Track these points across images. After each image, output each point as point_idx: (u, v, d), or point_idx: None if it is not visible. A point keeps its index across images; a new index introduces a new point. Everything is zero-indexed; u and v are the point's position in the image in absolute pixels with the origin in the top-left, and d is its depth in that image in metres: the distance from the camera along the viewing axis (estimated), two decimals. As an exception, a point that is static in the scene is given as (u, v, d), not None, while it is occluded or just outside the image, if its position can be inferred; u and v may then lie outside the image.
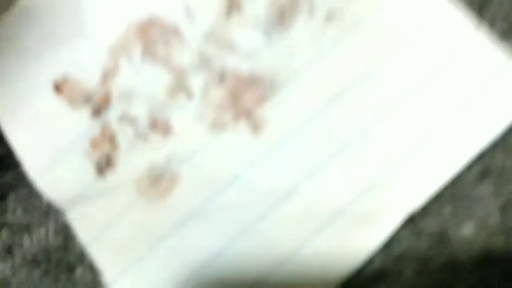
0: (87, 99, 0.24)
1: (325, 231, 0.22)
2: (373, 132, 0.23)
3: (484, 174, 0.23)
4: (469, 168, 0.23)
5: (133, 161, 0.23)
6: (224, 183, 0.23)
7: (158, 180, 0.23)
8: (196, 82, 0.24)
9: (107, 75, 0.25)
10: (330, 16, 0.24)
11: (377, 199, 0.22)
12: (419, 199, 0.22)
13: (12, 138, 0.24)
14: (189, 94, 0.24)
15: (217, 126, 0.24)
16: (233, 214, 0.22)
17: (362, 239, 0.22)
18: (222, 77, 0.24)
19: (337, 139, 0.23)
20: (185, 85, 0.24)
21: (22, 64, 0.25)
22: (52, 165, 0.24)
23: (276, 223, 0.22)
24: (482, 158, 0.23)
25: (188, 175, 0.23)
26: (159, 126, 0.24)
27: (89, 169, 0.24)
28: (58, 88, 0.25)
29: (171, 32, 0.25)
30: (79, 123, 0.24)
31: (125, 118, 0.24)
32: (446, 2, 0.24)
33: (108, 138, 0.24)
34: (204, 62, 0.24)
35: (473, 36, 0.23)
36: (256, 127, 0.24)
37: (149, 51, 0.25)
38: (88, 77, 0.25)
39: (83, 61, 0.25)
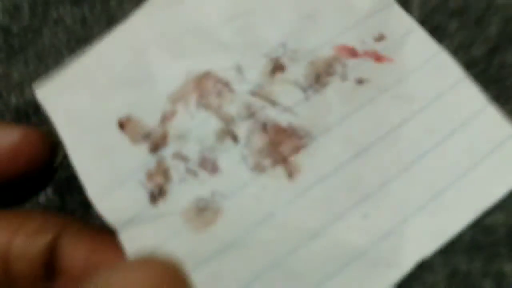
0: (146, 136, 0.28)
1: (345, 272, 0.25)
2: (393, 185, 0.26)
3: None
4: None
5: (183, 193, 0.26)
6: (260, 219, 0.26)
7: (203, 211, 0.26)
8: (242, 129, 0.28)
9: (165, 118, 0.28)
10: (360, 81, 0.28)
11: (393, 246, 0.25)
12: (430, 247, 0.25)
13: (77, 164, 0.27)
14: (235, 139, 0.28)
15: (257, 169, 0.27)
16: (265, 248, 0.26)
17: (377, 281, 0.25)
18: (264, 126, 0.28)
19: (361, 188, 0.26)
20: (232, 131, 0.28)
21: (93, 101, 0.28)
22: (111, 191, 0.27)
23: (302, 260, 0.26)
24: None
25: (229, 209, 0.26)
26: (207, 165, 0.27)
27: (143, 197, 0.27)
28: (122, 125, 0.28)
29: (223, 85, 0.28)
30: (138, 157, 0.27)
31: (179, 155, 0.27)
32: (463, 78, 0.27)
33: (162, 171, 0.27)
34: (250, 112, 0.28)
35: (485, 109, 0.27)
36: (291, 172, 0.27)
37: (203, 100, 0.28)
38: (149, 119, 0.28)
39: (145, 104, 0.28)
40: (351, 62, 0.29)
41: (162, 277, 0.20)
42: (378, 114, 0.28)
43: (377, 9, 0.30)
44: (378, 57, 0.29)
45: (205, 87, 0.29)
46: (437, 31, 0.30)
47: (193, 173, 0.27)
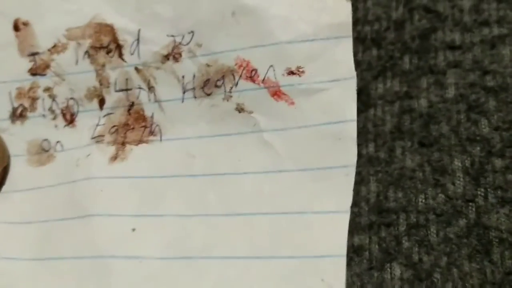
0: (33, 55, 0.29)
1: None
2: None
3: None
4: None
5: (37, 127, 0.29)
6: (70, 180, 0.28)
7: (42, 152, 0.29)
8: (111, 98, 0.28)
9: (55, 48, 0.29)
10: (241, 109, 0.27)
11: None
12: None
13: None
14: (101, 105, 0.28)
15: (97, 139, 0.28)
16: (68, 201, 0.28)
17: None
18: (130, 107, 0.28)
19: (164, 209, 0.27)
20: (102, 96, 0.28)
21: None
22: None
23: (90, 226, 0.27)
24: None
25: (59, 160, 0.28)
26: (67, 114, 0.29)
27: (5, 109, 0.29)
28: (17, 27, 0.29)
29: (116, 47, 0.28)
30: (18, 70, 0.29)
31: (50, 91, 0.29)
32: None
33: (31, 97, 0.29)
34: (126, 86, 0.28)
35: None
36: (116, 157, 0.28)
37: (93, 51, 0.28)
38: (42, 39, 0.29)
39: (45, 25, 0.29)
40: (245, 84, 0.26)
41: None
42: (235, 153, 0.26)
43: (322, 34, 0.25)
44: (276, 93, 0.26)
45: (101, 40, 0.28)
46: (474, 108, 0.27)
47: (53, 115, 0.29)
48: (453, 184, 0.26)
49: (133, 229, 0.26)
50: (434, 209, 0.25)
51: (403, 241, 0.25)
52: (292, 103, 0.26)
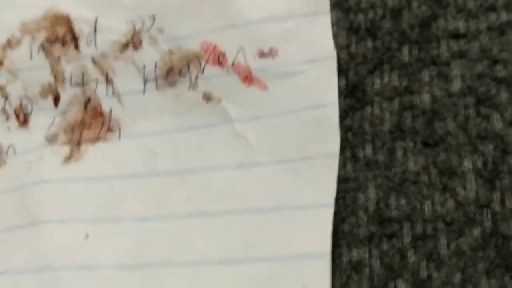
0: None
1: None
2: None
3: None
4: None
5: None
6: (22, 184, 0.26)
7: None
8: (66, 95, 0.26)
9: (9, 44, 0.27)
10: (208, 98, 0.25)
11: None
12: None
13: None
14: (56, 102, 0.26)
15: (51, 139, 0.26)
16: (20, 207, 0.26)
17: None
18: (87, 102, 0.26)
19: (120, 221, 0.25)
20: (57, 93, 0.26)
21: None
22: None
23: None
24: None
25: (10, 167, 0.26)
26: (20, 114, 0.27)
27: None
28: None
29: (72, 38, 0.26)
30: None
31: (3, 89, 0.27)
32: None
33: None
34: (82, 80, 0.26)
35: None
36: (70, 158, 0.26)
37: (47, 43, 0.26)
38: None
39: (1, 18, 0.27)
40: (212, 70, 0.24)
41: None
42: (204, 147, 0.24)
43: (297, 11, 0.24)
44: (248, 78, 0.24)
45: (56, 32, 0.26)
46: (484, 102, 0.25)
47: (5, 116, 0.27)
48: (464, 188, 0.24)
49: (86, 236, 0.24)
50: (443, 217, 0.24)
51: (409, 255, 0.23)
52: (265, 87, 0.24)
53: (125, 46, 0.26)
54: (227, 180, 0.24)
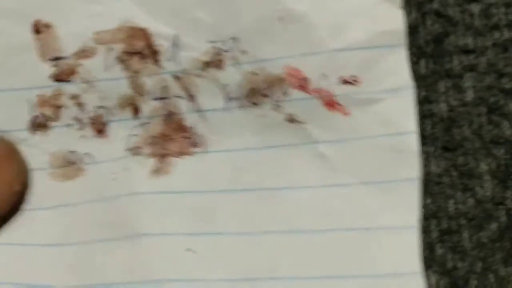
0: (55, 59, 0.26)
1: None
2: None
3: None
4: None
5: (61, 138, 0.26)
6: (106, 196, 0.26)
7: (68, 165, 0.26)
8: (147, 107, 0.26)
9: (82, 52, 0.26)
10: (292, 120, 0.25)
11: None
12: None
13: None
14: (135, 113, 0.26)
15: (134, 150, 0.26)
16: (97, 222, 0.26)
17: None
18: (168, 116, 0.26)
19: (215, 226, 0.26)
20: (136, 105, 0.26)
21: None
22: None
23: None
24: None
25: (90, 175, 0.26)
26: (97, 124, 0.26)
27: (24, 118, 0.27)
28: (38, 29, 0.26)
29: (152, 53, 0.26)
30: (38, 75, 0.26)
31: (77, 99, 0.26)
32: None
33: (54, 105, 0.26)
34: (163, 95, 0.26)
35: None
36: (158, 171, 0.26)
37: (125, 57, 0.26)
38: (67, 42, 0.26)
39: (71, 25, 0.26)
40: (295, 93, 0.25)
41: None
42: (287, 166, 0.25)
43: (376, 42, 0.24)
44: (330, 103, 0.25)
45: (134, 44, 0.26)
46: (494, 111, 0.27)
47: (80, 125, 0.27)
48: (482, 187, 0.26)
49: (189, 249, 0.25)
50: (465, 214, 0.26)
51: (436, 248, 0.25)
52: (347, 113, 0.25)
53: (207, 64, 0.26)
54: (314, 199, 0.24)
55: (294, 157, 0.25)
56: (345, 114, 0.25)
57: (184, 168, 0.26)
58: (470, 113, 0.27)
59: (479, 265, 0.25)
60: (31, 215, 0.26)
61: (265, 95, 0.25)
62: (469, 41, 0.28)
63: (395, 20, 0.25)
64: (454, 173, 0.26)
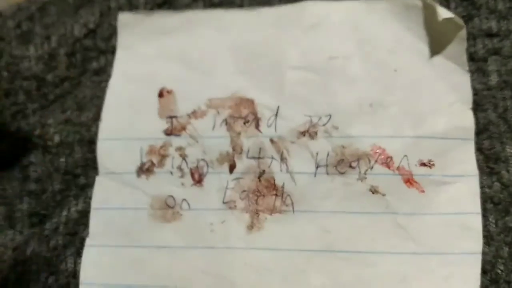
0: (171, 117, 0.30)
1: None
2: None
3: None
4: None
5: (163, 183, 0.29)
6: (202, 246, 0.29)
7: (167, 209, 0.29)
8: (242, 164, 0.29)
9: (194, 113, 0.30)
10: (374, 191, 0.28)
11: None
12: None
13: (108, 97, 0.31)
14: (231, 169, 0.29)
15: (229, 204, 0.29)
16: (191, 270, 0.28)
17: None
18: (261, 174, 0.29)
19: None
20: (233, 161, 0.29)
21: (157, 59, 0.32)
22: (117, 138, 0.30)
23: None
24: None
25: (186, 220, 0.29)
26: (196, 174, 0.29)
27: (134, 164, 0.30)
28: (161, 94, 0.31)
29: (254, 119, 0.30)
30: (154, 129, 0.30)
31: (182, 150, 0.30)
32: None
33: (162, 154, 0.30)
34: (258, 155, 0.29)
35: None
36: (253, 226, 0.28)
37: (231, 120, 0.30)
38: (182, 106, 0.31)
39: (189, 92, 0.31)
40: (380, 169, 0.28)
41: None
42: (369, 233, 0.28)
43: (450, 134, 0.28)
44: (409, 181, 0.28)
45: (240, 111, 0.30)
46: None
47: (181, 173, 0.30)
48: (507, 171, 0.26)
49: None
50: (491, 197, 0.26)
51: None
52: (423, 191, 0.28)
53: (302, 134, 0.29)
54: (392, 265, 0.27)
55: (375, 224, 0.28)
56: (421, 191, 0.28)
57: (275, 225, 0.28)
58: (494, 97, 0.28)
59: (505, 250, 0.25)
60: (128, 251, 0.29)
61: (351, 167, 0.28)
62: (493, 24, 0.29)
63: (467, 118, 0.28)
64: (480, 157, 0.27)
